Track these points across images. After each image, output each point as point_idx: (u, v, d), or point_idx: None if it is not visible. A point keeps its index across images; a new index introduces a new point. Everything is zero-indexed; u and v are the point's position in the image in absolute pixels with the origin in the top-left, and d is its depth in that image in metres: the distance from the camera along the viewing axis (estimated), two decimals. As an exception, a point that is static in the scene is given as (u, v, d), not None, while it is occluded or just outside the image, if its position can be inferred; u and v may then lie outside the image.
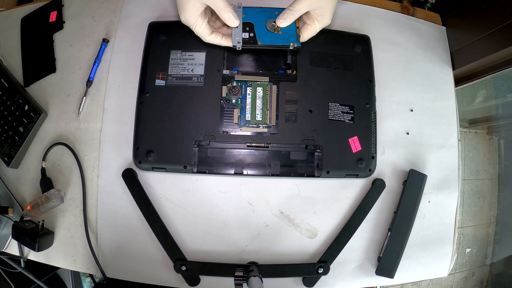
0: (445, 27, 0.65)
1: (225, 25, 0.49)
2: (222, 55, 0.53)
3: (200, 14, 0.46)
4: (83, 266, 0.53)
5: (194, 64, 0.53)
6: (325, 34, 0.55)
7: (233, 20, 0.46)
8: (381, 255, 0.53)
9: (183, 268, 0.49)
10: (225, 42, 0.48)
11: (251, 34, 0.48)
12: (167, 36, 0.54)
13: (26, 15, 0.64)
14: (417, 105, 0.60)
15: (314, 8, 0.47)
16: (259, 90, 0.53)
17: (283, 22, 0.47)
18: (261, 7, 0.49)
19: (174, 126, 0.51)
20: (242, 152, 0.52)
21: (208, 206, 0.54)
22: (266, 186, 0.54)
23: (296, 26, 0.48)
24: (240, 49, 0.48)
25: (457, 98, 0.62)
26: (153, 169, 0.52)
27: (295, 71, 0.54)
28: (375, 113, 0.54)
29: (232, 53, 0.54)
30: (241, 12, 0.48)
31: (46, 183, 0.54)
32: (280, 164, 0.52)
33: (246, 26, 0.48)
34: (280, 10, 0.48)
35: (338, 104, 0.53)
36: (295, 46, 0.48)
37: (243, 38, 0.48)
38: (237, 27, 0.47)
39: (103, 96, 0.57)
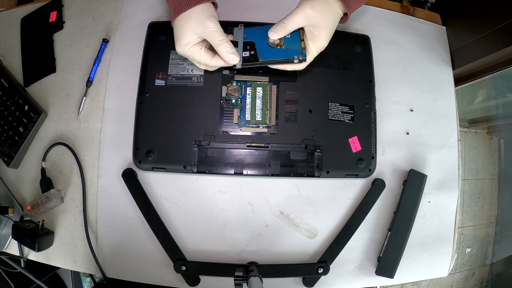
0: (445, 27, 0.65)
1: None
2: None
3: (196, 43, 0.45)
4: (83, 266, 0.53)
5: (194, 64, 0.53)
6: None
7: (229, 56, 0.44)
8: (381, 255, 0.53)
9: (183, 268, 0.49)
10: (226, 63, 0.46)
11: (252, 52, 0.46)
12: (167, 36, 0.54)
13: (26, 15, 0.64)
14: (417, 105, 0.60)
15: (309, 24, 0.44)
16: (259, 90, 0.53)
17: (274, 34, 0.45)
18: (263, 26, 0.47)
19: (174, 126, 0.51)
20: (242, 152, 0.52)
21: (208, 206, 0.54)
22: (266, 186, 0.54)
23: (301, 39, 0.46)
24: (240, 67, 0.46)
25: (457, 98, 0.62)
26: (153, 169, 0.52)
27: (295, 71, 0.53)
28: (375, 113, 0.54)
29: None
30: (242, 32, 0.47)
31: (46, 183, 0.54)
32: (280, 164, 0.52)
33: (247, 45, 0.47)
34: None
35: (338, 104, 0.53)
36: (300, 58, 0.45)
37: (243, 56, 0.46)
38: (235, 65, 0.46)
39: (103, 96, 0.57)
